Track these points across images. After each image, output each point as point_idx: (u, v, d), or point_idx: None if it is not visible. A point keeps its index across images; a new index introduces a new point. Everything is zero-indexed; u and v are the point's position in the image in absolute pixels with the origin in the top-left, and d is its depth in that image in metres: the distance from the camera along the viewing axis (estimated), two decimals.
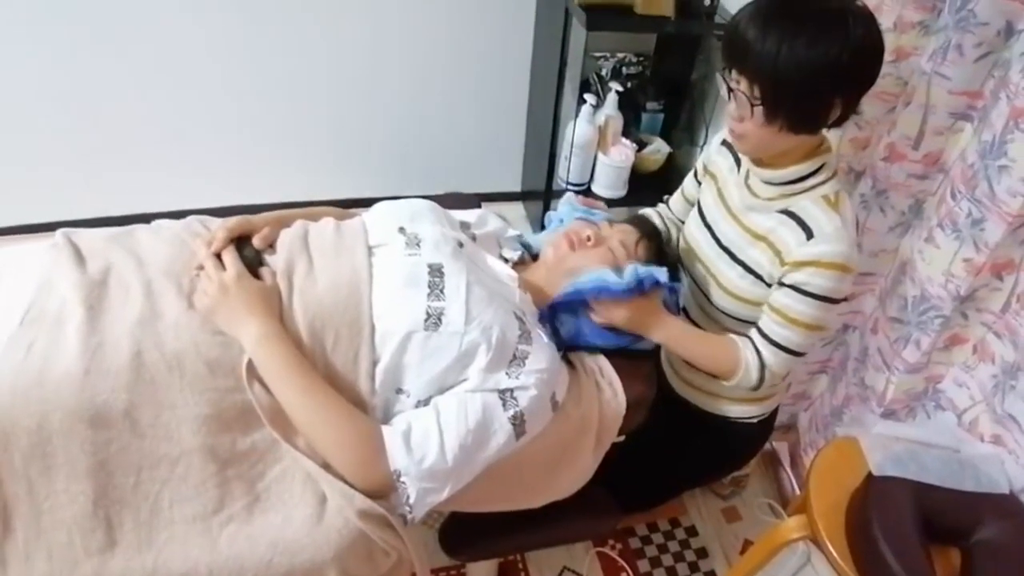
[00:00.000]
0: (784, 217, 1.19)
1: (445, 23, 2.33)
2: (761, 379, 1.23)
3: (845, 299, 1.19)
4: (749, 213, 1.26)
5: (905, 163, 1.40)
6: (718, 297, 1.31)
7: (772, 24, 1.02)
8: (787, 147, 1.15)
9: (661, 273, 1.21)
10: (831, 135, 1.19)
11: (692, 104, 2.41)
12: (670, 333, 1.27)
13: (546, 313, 1.24)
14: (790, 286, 1.16)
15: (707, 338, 1.31)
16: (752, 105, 1.08)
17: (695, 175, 1.47)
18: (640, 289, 1.21)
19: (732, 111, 1.14)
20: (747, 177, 1.26)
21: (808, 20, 1.02)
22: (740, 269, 1.26)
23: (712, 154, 1.41)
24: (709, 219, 1.36)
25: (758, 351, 1.22)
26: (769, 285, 1.22)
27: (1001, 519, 1.16)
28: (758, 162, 1.22)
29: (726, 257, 1.29)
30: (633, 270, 1.20)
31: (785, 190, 1.19)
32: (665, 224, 1.54)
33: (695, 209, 1.42)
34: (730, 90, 1.11)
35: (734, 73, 1.10)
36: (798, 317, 1.17)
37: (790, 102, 1.06)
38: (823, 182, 1.18)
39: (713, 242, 1.32)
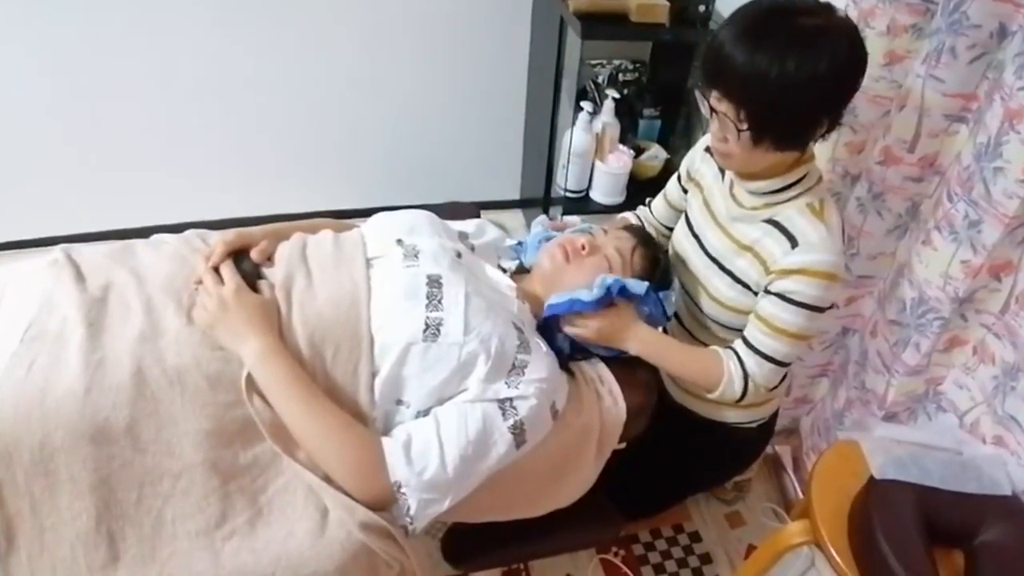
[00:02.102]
0: (769, 227, 1.19)
1: (442, 33, 2.33)
2: (745, 390, 1.22)
3: (832, 306, 1.18)
4: (735, 223, 1.26)
5: (901, 166, 1.40)
6: (708, 306, 1.31)
7: (759, 47, 0.99)
8: (773, 162, 1.15)
9: (637, 285, 1.20)
10: (823, 141, 1.19)
11: (689, 110, 2.41)
12: (645, 343, 1.25)
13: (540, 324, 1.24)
14: (776, 294, 1.16)
15: (687, 350, 1.30)
16: (739, 131, 1.06)
17: (679, 180, 1.47)
18: (609, 297, 1.20)
19: (715, 131, 1.12)
20: (731, 187, 1.26)
21: (793, 39, 0.99)
22: (728, 279, 1.26)
23: (696, 161, 1.40)
24: (696, 229, 1.35)
25: (742, 362, 1.21)
26: (757, 295, 1.21)
27: (1004, 520, 1.16)
28: (742, 174, 1.22)
29: (714, 267, 1.29)
30: (601, 280, 1.19)
31: (769, 199, 1.19)
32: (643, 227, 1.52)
33: (683, 218, 1.41)
34: (712, 110, 1.09)
35: (715, 93, 1.07)
36: (784, 326, 1.16)
37: (777, 124, 1.05)
38: (807, 190, 1.18)
39: (701, 252, 1.32)
